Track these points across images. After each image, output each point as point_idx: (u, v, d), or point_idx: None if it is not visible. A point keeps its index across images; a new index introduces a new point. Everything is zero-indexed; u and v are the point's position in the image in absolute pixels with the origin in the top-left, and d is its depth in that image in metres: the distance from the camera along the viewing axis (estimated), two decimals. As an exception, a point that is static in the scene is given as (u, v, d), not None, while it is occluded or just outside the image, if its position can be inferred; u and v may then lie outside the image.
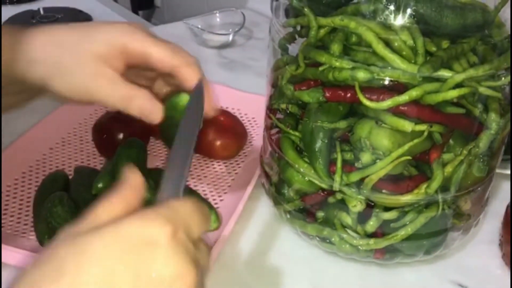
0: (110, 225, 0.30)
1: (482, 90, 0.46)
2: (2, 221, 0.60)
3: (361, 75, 0.46)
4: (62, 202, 0.56)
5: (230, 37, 1.09)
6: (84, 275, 0.28)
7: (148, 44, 0.45)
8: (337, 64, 0.48)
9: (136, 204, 0.33)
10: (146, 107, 0.45)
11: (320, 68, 0.49)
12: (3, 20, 1.40)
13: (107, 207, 0.32)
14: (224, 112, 0.75)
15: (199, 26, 1.08)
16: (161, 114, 0.45)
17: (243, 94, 0.82)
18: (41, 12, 1.44)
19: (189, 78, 0.46)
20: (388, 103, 0.46)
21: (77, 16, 1.44)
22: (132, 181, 0.34)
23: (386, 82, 0.47)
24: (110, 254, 0.29)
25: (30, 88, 0.47)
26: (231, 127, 0.72)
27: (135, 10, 1.75)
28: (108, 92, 0.44)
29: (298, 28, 0.54)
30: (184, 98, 0.47)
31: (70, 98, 0.45)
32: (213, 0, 1.46)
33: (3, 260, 0.52)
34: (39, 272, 0.29)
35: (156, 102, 0.46)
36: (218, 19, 1.13)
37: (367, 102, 0.47)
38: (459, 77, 0.46)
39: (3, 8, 1.49)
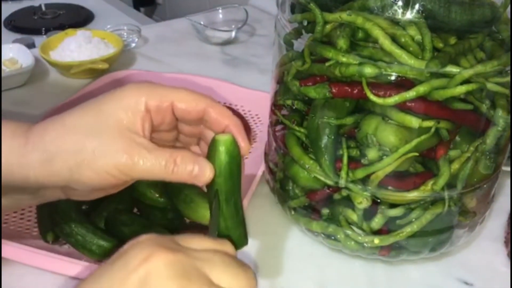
0: None
1: (490, 86, 0.46)
2: (6, 217, 0.59)
3: (369, 70, 0.46)
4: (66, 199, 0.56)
5: (233, 34, 1.08)
6: None
7: (167, 93, 0.39)
8: (344, 59, 0.47)
9: None
10: (195, 168, 0.38)
11: (327, 64, 0.49)
12: (5, 16, 1.40)
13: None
14: (228, 109, 0.74)
15: (202, 23, 1.07)
16: (212, 171, 0.39)
17: (246, 90, 0.82)
18: (43, 8, 1.43)
19: (221, 115, 0.40)
20: (395, 98, 0.46)
21: (78, 13, 1.44)
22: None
23: (393, 78, 0.47)
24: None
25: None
26: (234, 124, 0.72)
27: (136, 7, 1.74)
28: (148, 165, 0.37)
29: (304, 23, 0.54)
30: (221, 141, 0.39)
31: (105, 184, 0.38)
32: (215, -3, 1.46)
33: (7, 256, 0.52)
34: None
35: (202, 159, 0.39)
36: (220, 16, 1.13)
37: (374, 98, 0.46)
38: (467, 73, 0.45)
39: (5, 4, 1.48)
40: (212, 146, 0.39)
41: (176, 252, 0.31)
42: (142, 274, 0.30)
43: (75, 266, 0.51)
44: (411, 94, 0.46)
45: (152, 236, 0.33)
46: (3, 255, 0.52)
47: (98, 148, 0.37)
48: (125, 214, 0.57)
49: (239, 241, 0.40)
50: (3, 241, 0.52)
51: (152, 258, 0.31)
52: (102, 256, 0.53)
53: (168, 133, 0.43)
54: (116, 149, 0.37)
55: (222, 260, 0.33)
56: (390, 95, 0.46)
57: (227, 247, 0.35)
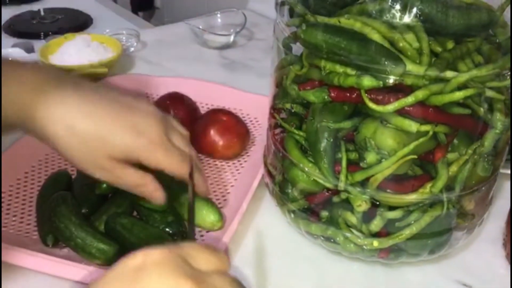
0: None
1: (489, 93, 0.46)
2: (5, 221, 0.59)
3: (367, 83, 0.46)
4: (66, 202, 0.56)
5: (231, 38, 1.09)
6: None
7: (161, 161, 0.50)
8: (341, 70, 0.48)
9: None
10: (153, 194, 0.52)
11: (324, 73, 0.49)
12: (3, 20, 1.40)
13: None
14: (227, 112, 0.75)
15: (200, 27, 1.08)
16: (164, 200, 0.52)
17: (245, 94, 0.82)
18: (42, 12, 1.43)
19: (197, 183, 0.52)
20: (395, 105, 0.46)
21: (77, 17, 1.44)
22: None
23: (391, 81, 0.47)
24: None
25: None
26: (233, 127, 0.72)
27: (135, 11, 1.74)
28: (119, 180, 0.50)
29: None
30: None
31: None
32: (213, 1, 1.46)
33: (7, 260, 0.52)
34: None
35: (161, 190, 0.52)
36: (219, 20, 1.13)
37: (373, 106, 0.47)
38: (463, 78, 0.46)
39: (4, 9, 1.48)
40: None
41: (200, 284, 0.31)
42: None
43: (74, 269, 0.51)
44: (410, 100, 0.46)
45: (165, 256, 0.31)
46: (3, 258, 0.52)
47: (86, 156, 0.48)
48: (125, 218, 0.57)
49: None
50: (3, 244, 0.52)
51: None
52: (102, 259, 0.53)
53: None
54: (97, 165, 0.49)
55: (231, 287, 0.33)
56: (388, 101, 0.47)
57: (225, 263, 0.35)
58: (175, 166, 0.50)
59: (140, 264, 0.30)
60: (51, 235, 0.56)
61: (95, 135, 0.47)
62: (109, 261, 0.53)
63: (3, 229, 0.58)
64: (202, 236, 0.60)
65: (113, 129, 0.48)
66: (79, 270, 0.51)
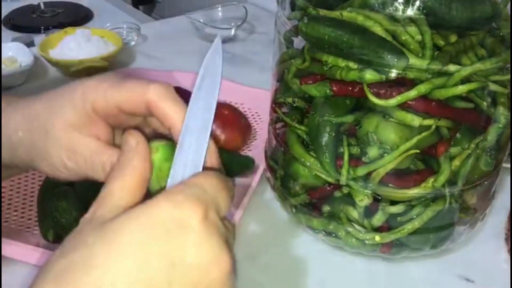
0: (138, 210, 0.29)
1: (493, 87, 0.46)
2: (6, 216, 0.59)
3: (369, 76, 0.46)
4: (67, 197, 0.56)
5: (232, 32, 1.08)
6: (117, 267, 0.27)
7: (112, 93, 0.36)
8: (343, 64, 0.47)
9: (148, 173, 0.32)
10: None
11: (325, 67, 0.49)
12: (3, 15, 1.40)
13: (122, 185, 0.31)
14: (228, 106, 0.74)
15: (201, 20, 1.07)
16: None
17: (246, 88, 0.82)
18: (42, 6, 1.43)
19: (170, 110, 0.37)
20: (397, 99, 0.46)
21: (77, 11, 1.44)
22: (139, 149, 0.32)
23: (393, 75, 0.47)
24: (142, 243, 0.28)
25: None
26: (235, 121, 0.72)
27: (135, 5, 1.74)
28: (87, 168, 0.37)
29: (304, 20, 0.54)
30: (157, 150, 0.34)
31: (62, 177, 0.38)
32: (214, -5, 1.46)
33: (8, 255, 0.52)
34: (66, 262, 0.28)
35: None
36: (220, 13, 1.12)
37: (376, 100, 0.46)
38: (466, 71, 0.45)
39: (4, 3, 1.48)
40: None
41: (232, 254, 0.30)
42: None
43: (76, 265, 0.51)
44: (412, 93, 0.46)
45: (211, 220, 0.29)
46: (4, 253, 0.52)
47: (46, 147, 0.37)
48: (126, 213, 0.57)
49: None
50: (3, 239, 0.52)
51: (222, 263, 0.29)
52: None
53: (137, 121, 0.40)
54: (61, 150, 0.36)
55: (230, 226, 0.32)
56: (391, 95, 0.46)
57: (233, 197, 0.33)
58: (130, 93, 0.36)
59: (186, 222, 0.28)
60: (52, 230, 0.55)
61: (45, 109, 0.38)
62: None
63: (4, 224, 0.58)
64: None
65: (56, 96, 0.39)
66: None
